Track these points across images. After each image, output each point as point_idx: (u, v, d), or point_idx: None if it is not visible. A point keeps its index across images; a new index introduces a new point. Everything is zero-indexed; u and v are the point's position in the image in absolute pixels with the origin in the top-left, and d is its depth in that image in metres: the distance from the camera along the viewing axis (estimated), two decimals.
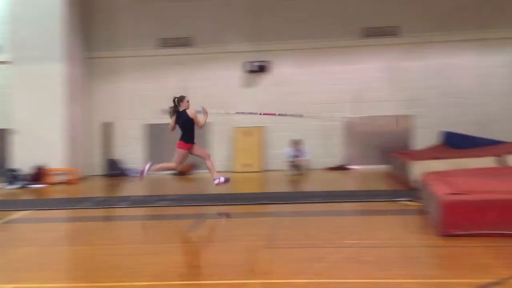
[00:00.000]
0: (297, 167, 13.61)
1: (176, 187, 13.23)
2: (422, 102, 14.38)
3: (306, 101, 14.67)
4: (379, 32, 14.53)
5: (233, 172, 14.62)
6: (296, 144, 13.85)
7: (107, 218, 9.13)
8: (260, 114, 10.97)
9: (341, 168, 14.58)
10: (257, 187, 12.89)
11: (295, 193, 11.21)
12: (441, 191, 6.77)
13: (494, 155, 10.34)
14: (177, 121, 9.53)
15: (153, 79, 15.46)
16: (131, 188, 12.97)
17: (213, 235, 7.28)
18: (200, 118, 9.48)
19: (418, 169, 9.66)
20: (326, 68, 14.94)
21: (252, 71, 14.97)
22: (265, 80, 15.11)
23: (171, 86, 15.15)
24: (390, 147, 14.04)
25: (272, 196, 10.23)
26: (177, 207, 9.24)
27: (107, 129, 15.61)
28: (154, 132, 15.46)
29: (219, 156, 15.00)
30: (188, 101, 9.54)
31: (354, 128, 14.79)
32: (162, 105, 15.10)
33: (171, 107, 9.58)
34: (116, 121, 15.58)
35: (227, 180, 9.65)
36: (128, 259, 5.85)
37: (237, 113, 10.84)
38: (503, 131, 13.18)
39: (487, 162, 10.03)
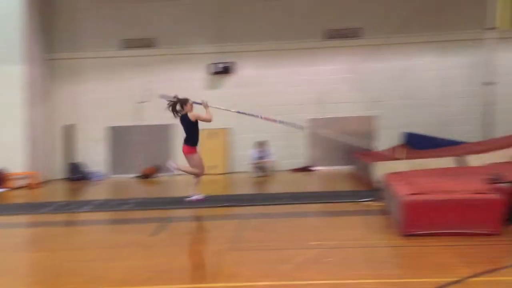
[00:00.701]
0: (262, 169, 13.64)
1: (140, 190, 13.09)
2: (385, 103, 14.59)
3: (271, 103, 14.70)
4: (342, 34, 14.68)
5: None
6: (261, 145, 13.87)
7: (69, 223, 8.97)
8: (260, 117, 10.94)
9: (305, 169, 14.67)
10: (223, 189, 12.85)
11: (260, 194, 11.22)
12: (403, 191, 6.87)
13: (454, 155, 10.56)
14: (181, 124, 9.37)
15: (116, 80, 15.27)
16: (94, 192, 12.77)
17: (178, 238, 7.21)
18: (203, 115, 9.33)
19: (380, 170, 9.78)
20: (291, 69, 15.01)
21: (216, 73, 14.93)
22: (229, 81, 15.09)
23: (135, 87, 15.03)
24: (353, 148, 14.20)
25: (238, 198, 10.21)
26: (141, 211, 9.14)
27: (68, 132, 15.34)
28: (117, 134, 15.27)
29: (183, 158, 14.89)
30: (191, 104, 9.44)
31: (319, 129, 14.89)
32: (125, 107, 15.07)
33: (171, 103, 9.41)
34: (78, 124, 15.32)
35: (202, 200, 9.53)
36: (90, 265, 5.75)
37: (238, 112, 10.77)
38: (462, 132, 13.47)
39: (447, 162, 10.23)
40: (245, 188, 12.05)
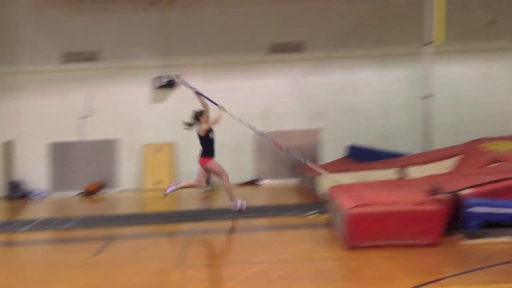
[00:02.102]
0: (208, 183, 13.53)
1: (83, 208, 12.74)
2: (328, 116, 14.78)
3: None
4: (285, 48, 14.84)
5: (143, 190, 14.33)
6: None
7: (7, 244, 8.63)
8: (268, 139, 10.90)
9: (252, 183, 14.67)
10: (168, 205, 12.68)
11: (206, 210, 11.15)
12: (346, 204, 6.98)
13: (396, 167, 10.81)
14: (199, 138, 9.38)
15: (57, 95, 14.85)
16: (34, 211, 12.35)
17: (122, 257, 7.05)
18: (209, 122, 9.28)
19: (325, 183, 9.91)
20: (236, 83, 15.02)
21: (161, 87, 14.77)
22: (175, 95, 14.95)
23: (77, 102, 14.69)
24: (299, 161, 14.29)
25: (183, 214, 10.12)
26: (84, 229, 8.91)
27: (7, 149, 14.80)
28: (59, 150, 14.84)
29: (128, 174, 14.69)
30: (207, 116, 9.28)
31: (265, 143, 14.94)
32: (67, 123, 14.70)
33: (190, 122, 9.32)
34: (18, 140, 14.81)
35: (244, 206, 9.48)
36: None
37: (249, 126, 10.66)
38: (404, 144, 13.78)
39: (389, 174, 10.47)
40: (191, 204, 11.93)
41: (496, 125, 13.98)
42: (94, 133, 14.65)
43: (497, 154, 9.86)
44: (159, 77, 14.61)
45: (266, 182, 14.67)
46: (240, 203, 9.54)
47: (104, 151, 14.83)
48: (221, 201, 12.45)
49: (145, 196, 13.78)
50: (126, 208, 11.39)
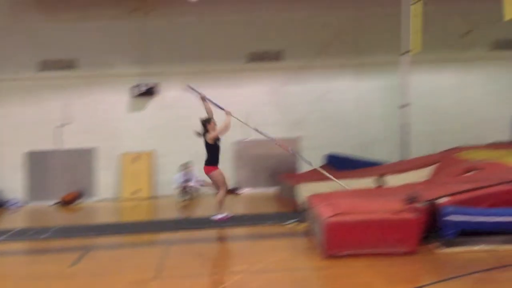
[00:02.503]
0: (187, 192, 13.49)
1: (60, 217, 12.59)
2: (307, 125, 14.86)
3: (196, 125, 14.60)
4: (264, 57, 14.90)
5: (122, 199, 14.22)
6: (186, 168, 13.73)
7: None
8: (275, 142, 10.85)
9: (232, 191, 14.63)
10: (147, 215, 12.62)
11: (185, 219, 11.10)
12: (324, 213, 7.01)
13: (374, 176, 10.88)
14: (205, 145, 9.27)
15: (34, 103, 14.70)
16: (10, 221, 12.15)
17: (100, 267, 6.98)
18: (218, 130, 9.16)
19: (304, 192, 9.93)
20: (215, 91, 14.84)
21: (140, 95, 14.70)
22: (153, 103, 14.90)
23: (54, 110, 14.55)
24: (278, 169, 14.35)
25: (162, 224, 10.06)
26: (61, 240, 8.80)
27: None
28: (36, 159, 14.66)
29: (106, 183, 14.57)
30: (214, 123, 9.15)
31: (244, 151, 14.96)
32: (44, 131, 14.53)
33: (201, 131, 9.28)
34: None
35: (228, 218, 9.41)
36: None
37: (256, 130, 10.58)
38: (382, 152, 13.92)
39: (368, 182, 10.54)
40: (170, 213, 11.87)
41: (472, 134, 14.20)
42: (72, 141, 14.52)
43: (473, 162, 10.00)
44: (138, 85, 14.55)
45: (246, 190, 14.65)
46: (225, 215, 9.51)
47: (81, 160, 14.71)
48: (200, 210, 12.43)
49: (123, 206, 13.68)
50: (103, 217, 11.27)
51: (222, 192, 9.55)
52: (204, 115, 9.73)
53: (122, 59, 14.76)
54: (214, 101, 10.02)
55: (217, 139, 9.50)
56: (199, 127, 9.57)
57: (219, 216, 9.51)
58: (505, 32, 12.97)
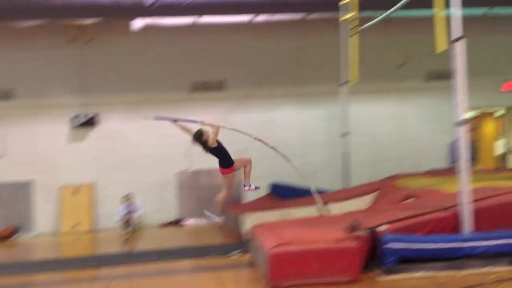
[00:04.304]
0: (129, 225, 13.21)
1: None
2: (250, 154, 14.78)
3: (138, 155, 14.45)
4: (207, 86, 14.93)
5: (61, 234, 13.77)
6: (127, 199, 13.47)
7: None
8: (256, 138, 10.62)
9: (175, 223, 14.45)
10: (88, 249, 12.26)
11: (126, 253, 10.84)
12: (267, 243, 7.02)
13: (317, 204, 11.00)
14: (210, 153, 8.91)
15: None
16: None
17: None
18: (212, 134, 8.78)
19: (249, 221, 9.93)
20: (158, 121, 14.87)
21: (80, 125, 14.40)
22: (94, 134, 14.61)
23: None
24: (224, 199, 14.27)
25: (104, 258, 9.78)
26: None
27: None
28: None
29: (44, 217, 14.08)
30: (207, 134, 8.80)
31: (188, 181, 14.84)
32: None
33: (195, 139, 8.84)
34: None
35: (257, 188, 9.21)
36: None
37: (233, 129, 10.27)
38: (324, 181, 14.11)
39: (310, 211, 10.65)
40: (111, 247, 11.56)
41: (410, 161, 14.66)
42: (8, 174, 14.00)
43: (411, 190, 10.28)
44: (78, 116, 14.27)
45: (190, 222, 14.50)
46: (216, 216, 9.32)
47: (18, 193, 14.18)
48: (143, 243, 12.19)
49: (63, 240, 13.24)
50: (42, 253, 10.86)
51: (224, 194, 9.29)
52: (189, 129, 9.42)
53: (61, 89, 14.46)
54: (185, 118, 9.81)
55: (217, 141, 9.22)
56: (196, 145, 9.23)
57: (211, 217, 9.32)
58: (437, 64, 13.50)
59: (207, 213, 9.57)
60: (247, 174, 9.22)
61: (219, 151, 8.96)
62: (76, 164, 14.32)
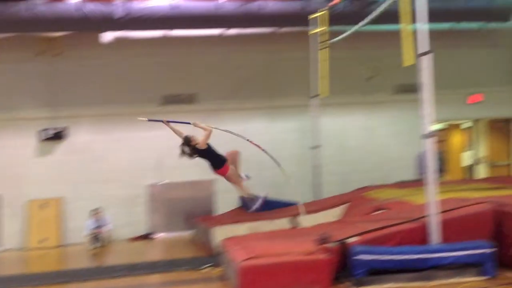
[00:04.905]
0: (99, 239, 13.02)
1: None
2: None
3: (108, 169, 14.28)
4: (178, 99, 14.86)
5: (29, 249, 13.48)
6: (96, 213, 13.29)
7: None
8: (247, 140, 10.55)
9: (145, 237, 14.29)
10: (56, 265, 12.02)
11: (95, 268, 10.66)
12: (238, 256, 7.00)
13: (289, 217, 11.04)
14: (201, 157, 8.97)
15: None
16: None
17: None
18: (203, 136, 8.90)
19: (220, 235, 9.89)
20: (127, 134, 14.75)
21: (48, 139, 14.18)
22: (62, 147, 14.40)
23: None
24: (194, 212, 14.21)
25: (72, 273, 9.61)
26: None
27: None
28: None
29: (11, 232, 13.78)
30: (194, 140, 8.81)
31: (158, 195, 14.71)
32: None
33: (187, 151, 8.87)
34: None
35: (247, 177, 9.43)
36: None
37: (226, 131, 10.20)
38: (296, 193, 14.13)
39: (282, 223, 10.67)
40: (80, 262, 11.37)
41: (379, 173, 14.82)
42: None
43: (380, 201, 10.39)
44: (46, 129, 14.06)
45: (160, 235, 14.36)
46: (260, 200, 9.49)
47: None
48: (111, 258, 12.02)
49: (30, 255, 12.96)
50: (9, 269, 10.59)
51: (240, 188, 9.27)
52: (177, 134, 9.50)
53: (29, 102, 14.24)
54: (176, 120, 9.79)
55: (207, 143, 9.14)
56: (184, 149, 9.18)
57: (257, 205, 9.27)
58: (405, 77, 13.74)
59: (253, 207, 9.55)
60: (237, 166, 9.28)
61: (209, 153, 9.02)
62: (44, 178, 14.07)
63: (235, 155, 9.45)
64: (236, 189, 9.86)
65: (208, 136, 8.86)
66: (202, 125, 9.15)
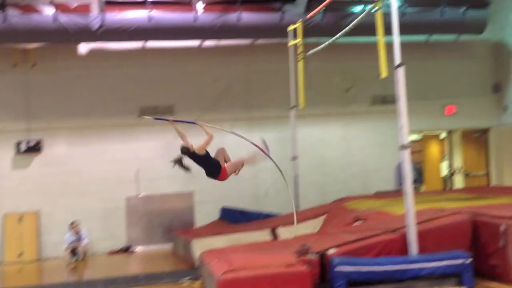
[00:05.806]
0: (76, 253, 12.85)
1: None
2: (200, 178, 14.70)
3: (86, 181, 14.11)
4: (155, 111, 14.74)
5: (5, 263, 13.24)
6: (73, 226, 13.12)
7: None
8: (254, 144, 10.42)
9: (125, 250, 14.13)
10: (33, 279, 11.83)
11: (74, 283, 10.53)
12: (217, 269, 6.97)
13: (268, 228, 11.03)
14: (199, 164, 8.77)
15: None
16: None
17: None
18: (204, 141, 8.66)
19: (199, 247, 9.84)
20: (105, 146, 14.61)
21: (24, 151, 13.98)
22: (39, 160, 14.21)
23: None
24: (173, 225, 14.12)
25: None
26: None
27: None
28: None
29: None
30: (192, 148, 8.58)
31: (137, 207, 14.58)
32: None
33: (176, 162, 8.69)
34: None
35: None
36: None
37: (232, 132, 10.05)
38: (274, 205, 14.16)
39: (262, 235, 10.65)
40: (58, 276, 11.21)
41: (358, 183, 14.90)
42: None
43: (359, 212, 10.44)
44: (22, 141, 13.88)
45: (139, 249, 14.22)
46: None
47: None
48: (90, 272, 11.87)
49: (7, 270, 12.74)
50: None
51: (249, 161, 9.46)
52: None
53: (4, 114, 14.05)
54: (182, 120, 9.69)
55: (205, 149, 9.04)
56: (181, 160, 9.01)
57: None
58: (382, 89, 13.93)
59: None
60: (227, 161, 9.21)
61: (206, 160, 8.89)
62: (21, 191, 13.85)
63: (223, 151, 9.31)
64: (253, 164, 9.83)
65: (208, 142, 8.76)
66: (207, 127, 9.03)
